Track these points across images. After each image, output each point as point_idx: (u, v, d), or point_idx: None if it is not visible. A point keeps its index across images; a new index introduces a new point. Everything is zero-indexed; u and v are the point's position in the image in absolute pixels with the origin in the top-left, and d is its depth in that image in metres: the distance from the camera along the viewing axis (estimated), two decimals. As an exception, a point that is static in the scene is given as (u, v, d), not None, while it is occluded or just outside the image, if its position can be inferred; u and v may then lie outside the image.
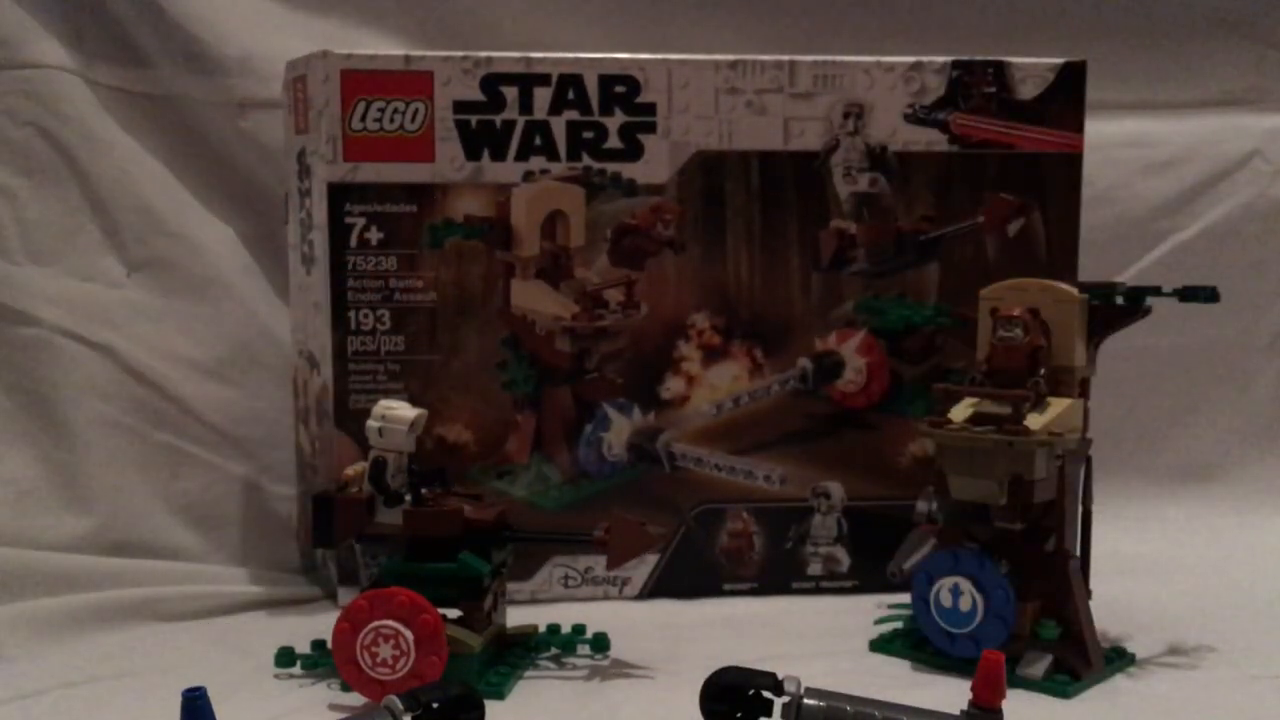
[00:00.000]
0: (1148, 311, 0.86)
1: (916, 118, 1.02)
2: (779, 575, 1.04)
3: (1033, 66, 1.03)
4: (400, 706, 0.64)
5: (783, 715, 0.65)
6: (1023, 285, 0.87)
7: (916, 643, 0.89)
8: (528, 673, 0.86)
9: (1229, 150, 1.30)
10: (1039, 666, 0.83)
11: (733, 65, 1.00)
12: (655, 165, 1.00)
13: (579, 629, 0.90)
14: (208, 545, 1.08)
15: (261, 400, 1.14)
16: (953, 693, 0.69)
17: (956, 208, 1.03)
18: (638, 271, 1.00)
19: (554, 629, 0.90)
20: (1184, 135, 1.30)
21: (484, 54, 0.98)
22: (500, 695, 0.81)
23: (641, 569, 1.03)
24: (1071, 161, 1.03)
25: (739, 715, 0.67)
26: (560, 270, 1.00)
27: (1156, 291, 0.85)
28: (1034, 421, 0.82)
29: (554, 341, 1.00)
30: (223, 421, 1.12)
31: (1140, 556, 1.13)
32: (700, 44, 1.19)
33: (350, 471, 0.85)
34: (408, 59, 0.97)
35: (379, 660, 0.78)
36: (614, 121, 0.99)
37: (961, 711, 0.64)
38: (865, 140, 1.02)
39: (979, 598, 0.84)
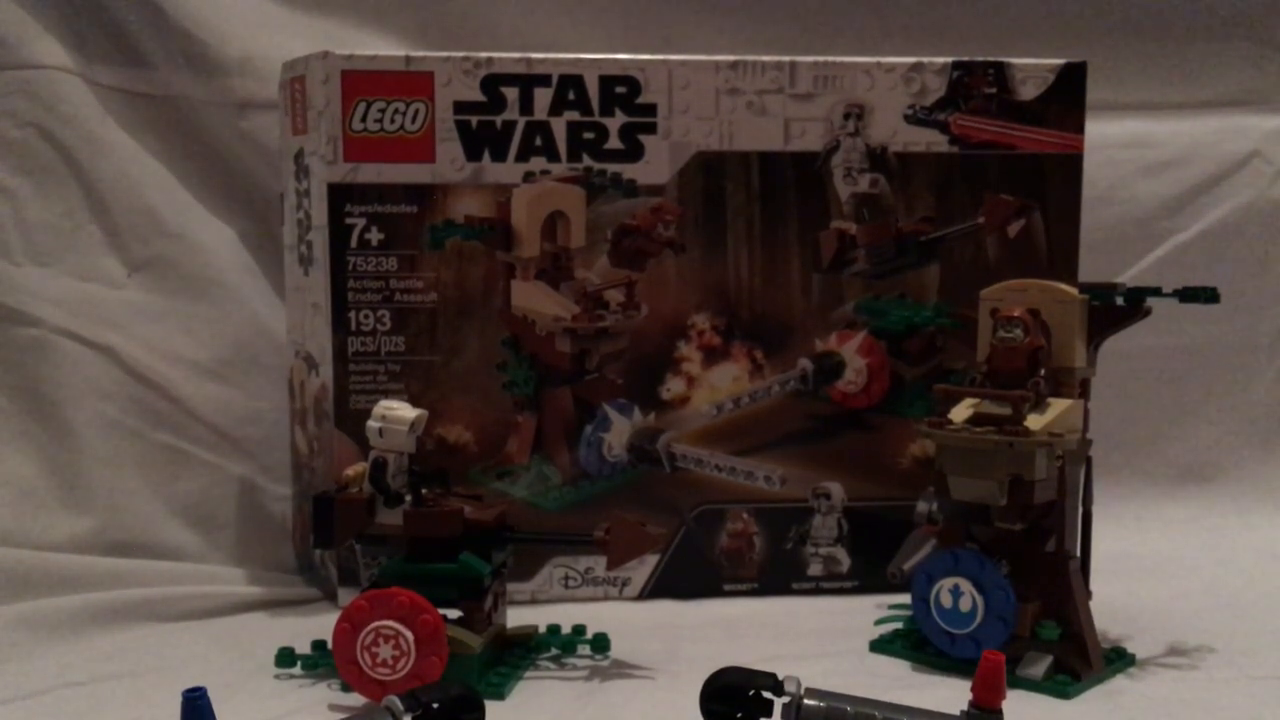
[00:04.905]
0: (1148, 312, 0.86)
1: (917, 118, 1.02)
2: (779, 576, 1.04)
3: (1033, 67, 1.03)
4: (400, 707, 0.64)
5: (783, 716, 0.65)
6: (1023, 286, 0.87)
7: (917, 643, 0.89)
8: (528, 673, 0.86)
9: (1229, 151, 1.30)
10: (1039, 667, 0.83)
11: (733, 66, 1.00)
12: (656, 166, 1.00)
13: (579, 630, 0.90)
14: (207, 545, 1.08)
15: (261, 400, 1.14)
16: (953, 693, 0.69)
17: (957, 208, 1.03)
18: (638, 272, 1.01)
19: (554, 629, 0.90)
20: (1184, 136, 1.30)
21: (484, 54, 0.98)
22: (500, 696, 0.81)
23: (642, 570, 1.03)
24: (1072, 162, 1.04)
25: (739, 715, 0.67)
26: (561, 271, 1.00)
27: (1156, 292, 0.85)
28: (1034, 422, 0.82)
29: (554, 342, 1.00)
30: (222, 422, 1.12)
31: (1140, 556, 1.13)
32: (700, 44, 1.19)
33: (350, 472, 0.85)
34: (408, 59, 0.97)
35: (379, 660, 0.78)
36: (614, 122, 0.99)
37: (962, 712, 0.64)
38: (866, 141, 1.02)
39: (979, 598, 0.84)
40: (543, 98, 0.98)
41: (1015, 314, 0.84)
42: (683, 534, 1.03)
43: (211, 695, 0.60)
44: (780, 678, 0.66)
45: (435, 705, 0.65)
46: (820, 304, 1.03)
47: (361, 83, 0.96)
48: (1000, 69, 1.02)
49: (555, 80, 0.98)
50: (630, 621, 0.95)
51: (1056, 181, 1.03)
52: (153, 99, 1.15)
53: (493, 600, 0.86)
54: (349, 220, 0.97)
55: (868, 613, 0.96)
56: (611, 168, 0.99)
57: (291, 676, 0.84)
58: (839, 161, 1.02)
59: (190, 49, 1.13)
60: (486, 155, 0.98)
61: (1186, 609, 0.99)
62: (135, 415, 1.09)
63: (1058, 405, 0.83)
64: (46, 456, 1.06)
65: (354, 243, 0.97)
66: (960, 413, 0.85)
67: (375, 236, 0.97)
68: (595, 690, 0.83)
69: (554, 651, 0.89)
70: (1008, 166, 1.03)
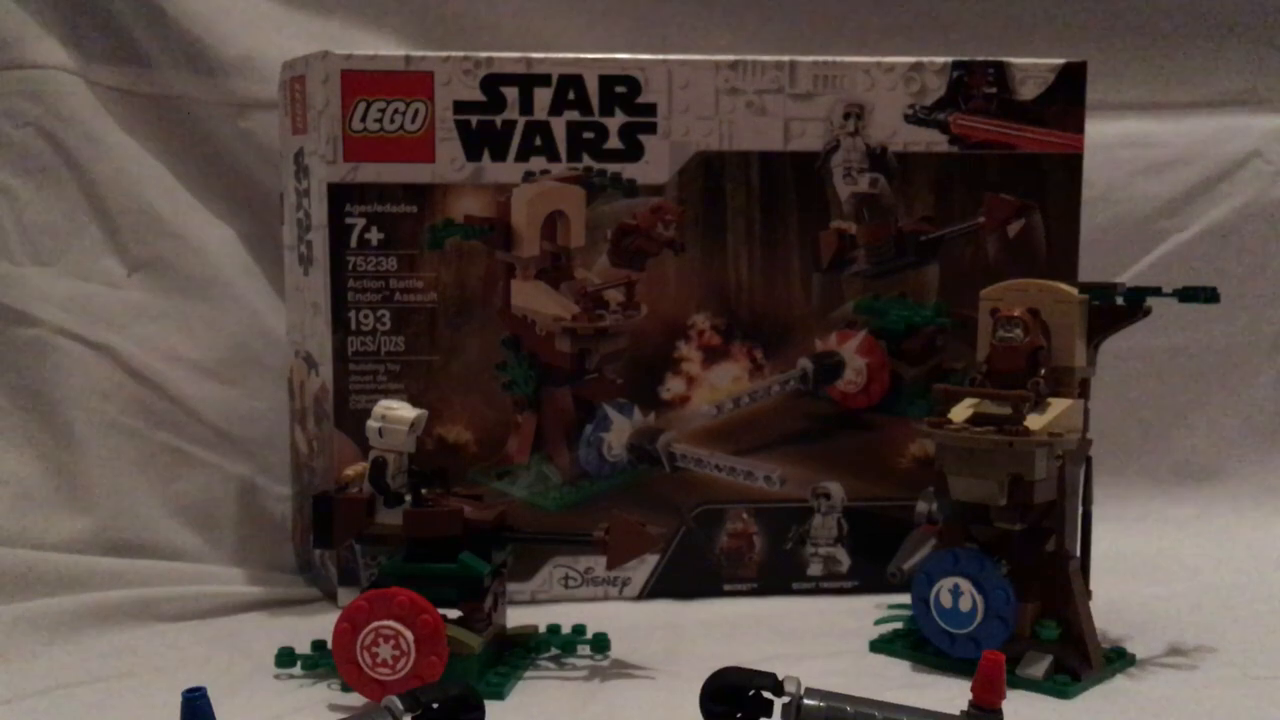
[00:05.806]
0: (1148, 312, 0.86)
1: (917, 118, 1.02)
2: (779, 576, 1.04)
3: (1033, 67, 1.03)
4: (400, 707, 0.63)
5: (783, 716, 0.65)
6: (1023, 286, 0.87)
7: (917, 643, 0.89)
8: (528, 673, 0.86)
9: (1229, 151, 1.30)
10: (1039, 667, 0.83)
11: (733, 66, 1.00)
12: (656, 166, 1.00)
13: (579, 629, 0.90)
14: (207, 545, 1.08)
15: (261, 400, 1.14)
16: (953, 693, 0.69)
17: (956, 208, 1.03)
18: (638, 272, 1.00)
19: (554, 629, 0.90)
20: (1184, 135, 1.30)
21: (484, 54, 0.98)
22: (500, 695, 0.81)
23: (641, 569, 1.03)
24: (1071, 162, 1.03)
25: (739, 716, 0.67)
26: (560, 271, 1.00)
27: (1156, 292, 0.85)
28: (1034, 422, 0.82)
29: (554, 342, 1.00)
30: (222, 421, 1.12)
31: (1140, 556, 1.13)
32: (700, 44, 1.19)
33: (350, 472, 0.85)
34: (408, 59, 0.97)
35: (379, 660, 0.78)
36: (614, 122, 0.99)
37: (961, 712, 0.64)
38: (865, 141, 1.02)
39: (979, 598, 0.84)
40: (543, 97, 0.98)
41: (1015, 314, 0.84)
42: (683, 534, 1.03)
43: (211, 695, 0.60)
44: (780, 678, 0.66)
45: (435, 705, 0.65)
46: (820, 304, 1.03)
47: (361, 83, 0.96)
48: (1000, 69, 1.02)
49: (555, 80, 0.98)
50: (630, 621, 0.95)
51: (1056, 181, 1.03)
52: (153, 99, 1.15)
53: (493, 600, 0.86)
54: (349, 220, 0.97)
55: (868, 613, 0.96)
56: (611, 167, 0.99)
57: (291, 676, 0.84)
58: (839, 161, 1.02)
59: (190, 49, 1.13)
60: (486, 155, 0.98)
61: (1186, 609, 0.99)
62: (135, 415, 1.09)
63: (1058, 405, 0.83)
64: (46, 456, 1.06)
65: (354, 243, 0.97)
66: (960, 413, 0.85)
67: (375, 236, 0.97)
68: (595, 690, 0.83)
69: (554, 651, 0.89)
70: (1008, 166, 1.03)
